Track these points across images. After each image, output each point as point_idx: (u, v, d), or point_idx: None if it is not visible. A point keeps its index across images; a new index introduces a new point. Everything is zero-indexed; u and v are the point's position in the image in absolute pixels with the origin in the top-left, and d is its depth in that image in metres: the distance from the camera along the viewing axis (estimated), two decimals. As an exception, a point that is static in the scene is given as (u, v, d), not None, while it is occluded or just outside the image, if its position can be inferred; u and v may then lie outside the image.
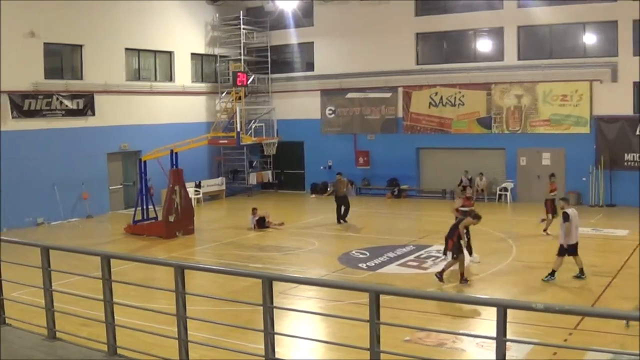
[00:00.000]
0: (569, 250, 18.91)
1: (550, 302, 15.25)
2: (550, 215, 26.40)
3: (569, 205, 19.99)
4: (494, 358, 7.26)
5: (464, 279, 18.80)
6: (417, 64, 38.01)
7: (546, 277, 18.86)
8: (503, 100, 36.09)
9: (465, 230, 19.46)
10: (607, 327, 13.30)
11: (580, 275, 19.00)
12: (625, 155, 34.02)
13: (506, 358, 7.25)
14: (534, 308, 7.32)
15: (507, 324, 7.12)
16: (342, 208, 29.73)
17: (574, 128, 34.78)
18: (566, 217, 19.07)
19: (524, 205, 34.42)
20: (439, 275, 18.91)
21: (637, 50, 33.39)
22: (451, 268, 19.15)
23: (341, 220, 29.53)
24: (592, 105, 34.43)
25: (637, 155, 33.69)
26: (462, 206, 22.65)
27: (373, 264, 21.51)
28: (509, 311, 7.15)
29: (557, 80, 34.83)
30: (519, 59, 35.71)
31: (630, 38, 33.42)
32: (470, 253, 21.03)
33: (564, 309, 9.55)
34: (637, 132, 33.78)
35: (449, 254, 19.49)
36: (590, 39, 34.85)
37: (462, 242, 19.08)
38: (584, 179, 33.85)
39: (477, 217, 19.44)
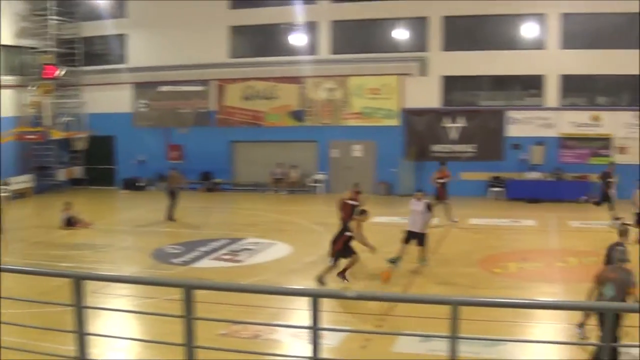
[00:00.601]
0: (411, 237, 19.40)
1: (363, 290, 15.60)
2: (446, 202, 27.09)
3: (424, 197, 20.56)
4: (309, 347, 7.32)
5: (343, 275, 17.78)
6: (231, 57, 37.93)
7: (422, 262, 19.35)
8: (316, 93, 36.59)
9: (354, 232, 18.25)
10: (417, 311, 13.68)
11: (395, 261, 19.43)
12: (433, 146, 35.31)
13: (320, 346, 7.31)
14: (346, 296, 7.42)
15: (322, 313, 7.17)
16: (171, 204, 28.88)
17: (384, 121, 35.74)
18: (430, 208, 19.69)
19: (337, 196, 34.86)
20: (342, 276, 17.84)
21: (445, 45, 34.78)
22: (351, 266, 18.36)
23: (173, 218, 28.65)
24: (401, 99, 35.46)
25: (444, 146, 35.08)
26: (351, 199, 22.16)
27: (187, 259, 21.28)
28: (323, 300, 7.20)
29: (369, 74, 35.68)
30: (331, 52, 36.31)
31: (439, 34, 34.75)
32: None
33: (375, 296, 9.77)
34: (444, 124, 35.14)
35: (331, 259, 17.93)
36: (401, 34, 35.93)
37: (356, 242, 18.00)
38: (393, 170, 34.73)
39: (363, 214, 18.94)
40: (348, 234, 17.58)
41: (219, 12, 37.54)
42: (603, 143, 34.41)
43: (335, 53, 36.36)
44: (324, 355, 7.80)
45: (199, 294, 7.63)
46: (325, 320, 7.57)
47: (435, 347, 11.53)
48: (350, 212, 20.52)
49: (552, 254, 21.90)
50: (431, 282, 17.92)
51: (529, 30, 34.79)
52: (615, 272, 11.22)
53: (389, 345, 12.46)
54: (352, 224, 17.75)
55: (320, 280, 17.68)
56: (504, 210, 30.23)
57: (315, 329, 7.20)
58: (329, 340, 11.57)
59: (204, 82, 38.45)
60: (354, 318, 13.96)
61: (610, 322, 7.07)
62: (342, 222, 20.37)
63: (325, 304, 7.46)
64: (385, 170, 35.31)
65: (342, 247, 17.51)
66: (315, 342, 7.26)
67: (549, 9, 34.05)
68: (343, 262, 17.82)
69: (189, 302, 7.41)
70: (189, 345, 7.50)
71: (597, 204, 27.30)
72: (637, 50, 33.30)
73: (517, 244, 23.69)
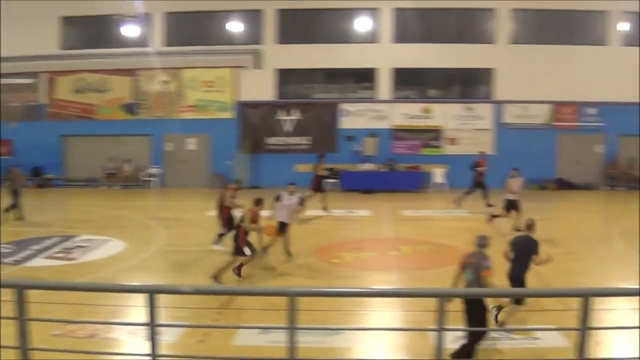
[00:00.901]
0: (282, 227, 19.37)
1: (201, 284, 15.52)
2: (311, 194, 27.26)
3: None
4: (147, 344, 7.24)
5: (237, 271, 17.22)
6: (62, 48, 36.86)
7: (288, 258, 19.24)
8: (149, 86, 36.14)
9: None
10: (256, 304, 13.73)
11: (289, 256, 19.44)
12: (267, 139, 35.53)
13: (158, 343, 7.24)
14: (182, 291, 7.37)
15: (159, 309, 7.11)
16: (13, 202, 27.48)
17: (219, 113, 35.68)
18: (303, 201, 19.87)
19: (172, 190, 34.76)
20: (237, 272, 17.23)
21: (280, 39, 35.04)
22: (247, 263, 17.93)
23: (23, 217, 27.29)
24: (236, 91, 35.47)
25: (279, 139, 35.38)
26: (233, 197, 21.59)
27: (18, 258, 20.53)
28: (160, 296, 7.14)
29: (203, 67, 35.51)
30: (165, 45, 35.89)
31: (274, 27, 34.98)
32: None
33: (212, 290, 9.72)
34: (278, 117, 35.41)
35: (247, 250, 17.26)
36: (235, 26, 35.89)
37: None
38: (228, 162, 34.70)
39: (260, 203, 18.35)
40: (243, 225, 17.29)
41: (49, 2, 36.41)
42: (434, 134, 35.61)
43: (169, 45, 35.98)
44: (162, 351, 7.73)
45: (32, 294, 7.43)
46: (162, 316, 7.51)
47: (275, 339, 11.60)
48: (228, 212, 20.73)
49: (386, 243, 22.42)
50: (270, 274, 17.96)
51: (362, 24, 35.56)
52: (473, 257, 11.64)
53: (228, 339, 12.45)
54: (248, 215, 17.47)
55: (239, 273, 17.23)
56: (339, 201, 30.68)
57: (152, 326, 7.13)
58: (166, 337, 11.48)
59: (33, 75, 37.23)
60: (192, 313, 13.86)
61: (442, 306, 7.28)
62: (223, 227, 20.58)
63: (162, 300, 7.39)
64: (220, 163, 35.24)
65: (244, 240, 17.20)
66: (153, 339, 7.19)
67: (382, 3, 34.95)
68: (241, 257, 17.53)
69: (21, 302, 7.21)
70: (23, 347, 7.30)
71: (468, 192, 28.06)
72: (466, 45, 34.76)
73: (353, 234, 24.11)
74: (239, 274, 17.26)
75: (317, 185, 27.69)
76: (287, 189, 20.22)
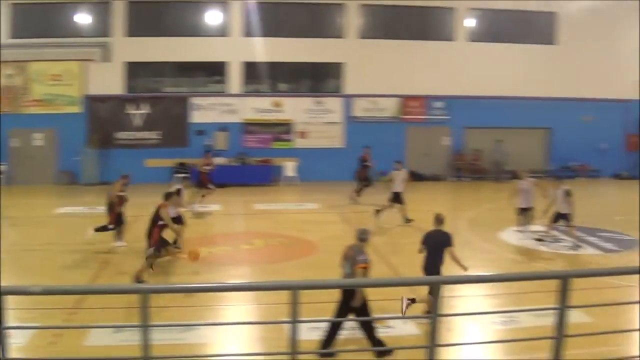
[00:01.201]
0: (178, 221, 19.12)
1: (51, 285, 15.14)
2: (212, 187, 27.60)
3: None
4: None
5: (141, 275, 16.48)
6: None
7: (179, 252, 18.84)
8: (-6, 79, 34.91)
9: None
10: (108, 302, 13.52)
11: (178, 246, 19.09)
12: (117, 133, 34.96)
13: (8, 346, 7.07)
14: (31, 292, 7.20)
15: (8, 311, 6.93)
16: None
17: (66, 108, 34.79)
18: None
19: (19, 187, 33.64)
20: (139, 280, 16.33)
21: (129, 31, 34.48)
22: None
23: None
24: (84, 85, 34.70)
25: (128, 133, 34.89)
26: (122, 191, 20.65)
27: None
28: (8, 297, 6.96)
29: (50, 60, 34.53)
30: (10, 37, 34.67)
31: (123, 19, 34.42)
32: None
33: (62, 289, 9.50)
34: (128, 111, 34.91)
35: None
36: (83, 18, 35.01)
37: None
38: (76, 158, 33.92)
39: (170, 197, 17.76)
40: (161, 222, 16.85)
41: None
42: (285, 128, 35.89)
43: (14, 37, 34.75)
44: (13, 355, 7.53)
45: None
46: (11, 318, 7.32)
47: (128, 337, 11.42)
48: (122, 205, 20.43)
49: (239, 237, 22.55)
50: (121, 272, 17.66)
51: (212, 17, 35.39)
52: (352, 249, 11.80)
53: (81, 339, 12.22)
54: (165, 212, 17.01)
55: (139, 279, 16.35)
56: (191, 197, 30.51)
57: (1, 329, 6.94)
58: (16, 339, 11.17)
59: None
60: (42, 314, 13.50)
61: (295, 298, 7.34)
62: (112, 222, 20.19)
63: (10, 301, 7.20)
64: (67, 158, 34.40)
65: (159, 238, 16.77)
66: (3, 342, 7.00)
67: (232, -3, 34.98)
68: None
69: None
70: None
71: (361, 187, 28.51)
72: (316, 39, 35.20)
73: (205, 228, 24.05)
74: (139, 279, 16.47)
75: (205, 181, 27.57)
76: (182, 184, 20.25)
